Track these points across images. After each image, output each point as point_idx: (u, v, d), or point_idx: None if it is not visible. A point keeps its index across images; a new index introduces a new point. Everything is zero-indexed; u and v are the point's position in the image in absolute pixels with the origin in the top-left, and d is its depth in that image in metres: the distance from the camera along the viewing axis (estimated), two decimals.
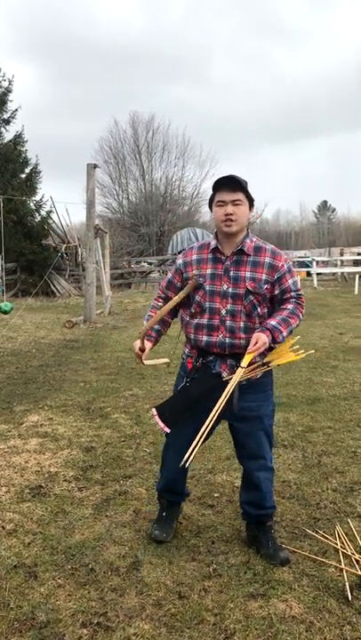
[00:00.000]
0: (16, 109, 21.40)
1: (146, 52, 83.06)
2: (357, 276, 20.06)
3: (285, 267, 2.62)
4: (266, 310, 2.63)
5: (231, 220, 2.55)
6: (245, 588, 2.43)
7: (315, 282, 22.77)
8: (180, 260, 2.74)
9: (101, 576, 2.54)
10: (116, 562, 2.65)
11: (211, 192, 2.65)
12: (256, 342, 2.47)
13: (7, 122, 21.31)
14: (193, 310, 2.66)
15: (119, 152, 35.20)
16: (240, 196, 2.56)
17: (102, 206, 33.36)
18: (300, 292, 2.66)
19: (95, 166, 13.24)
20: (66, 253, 21.20)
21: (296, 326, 2.59)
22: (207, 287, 2.61)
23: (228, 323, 2.58)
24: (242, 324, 2.58)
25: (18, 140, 21.41)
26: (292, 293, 2.63)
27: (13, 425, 4.77)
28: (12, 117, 21.39)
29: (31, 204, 21.08)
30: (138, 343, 2.67)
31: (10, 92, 21.34)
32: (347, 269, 25.06)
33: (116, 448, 4.18)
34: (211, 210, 2.67)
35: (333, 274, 26.65)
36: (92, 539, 2.86)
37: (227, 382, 2.56)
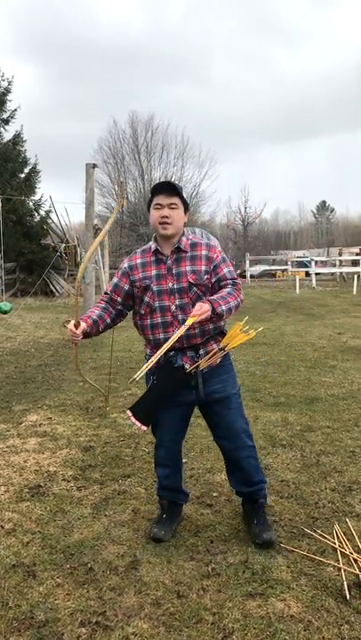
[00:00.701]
0: (15, 109, 21.43)
1: (146, 52, 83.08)
2: (356, 276, 20.10)
3: (220, 257, 2.80)
4: None
5: (167, 223, 2.72)
6: (244, 588, 2.43)
7: (313, 282, 22.80)
8: (125, 264, 2.86)
9: (100, 575, 2.54)
10: (115, 561, 2.65)
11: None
12: (199, 309, 2.58)
13: (6, 122, 21.33)
14: (142, 311, 2.80)
15: (118, 152, 35.21)
16: (176, 200, 2.73)
17: (101, 206, 33.35)
18: (236, 280, 2.81)
19: (94, 166, 13.24)
20: (65, 253, 21.21)
21: (235, 306, 2.69)
22: (154, 287, 2.75)
23: (180, 317, 2.72)
24: None
25: (17, 139, 21.43)
26: (229, 281, 2.78)
27: (12, 424, 4.77)
28: (12, 117, 21.41)
29: (30, 204, 21.09)
30: (72, 321, 2.73)
31: (9, 92, 21.37)
32: (345, 269, 25.11)
33: (115, 447, 4.19)
34: (148, 211, 2.81)
35: (332, 274, 26.70)
36: (91, 538, 2.86)
37: (190, 374, 2.74)
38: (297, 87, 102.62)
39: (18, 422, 4.84)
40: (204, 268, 2.74)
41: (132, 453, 4.06)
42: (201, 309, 2.58)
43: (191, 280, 2.72)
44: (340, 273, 25.64)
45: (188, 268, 2.73)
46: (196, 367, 2.75)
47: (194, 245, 2.78)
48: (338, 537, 2.81)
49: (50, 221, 21.63)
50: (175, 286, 2.73)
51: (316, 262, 25.92)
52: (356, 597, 2.37)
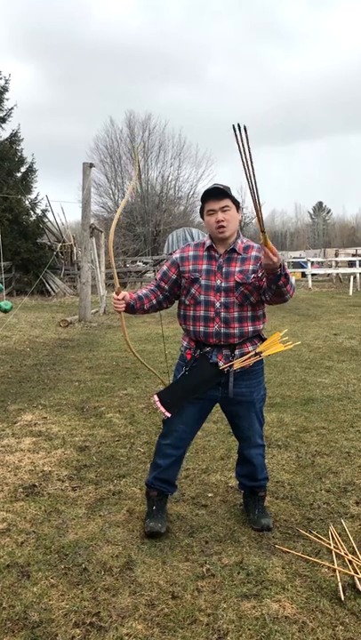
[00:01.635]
0: (12, 108, 21.41)
1: (144, 52, 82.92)
2: (352, 277, 20.14)
3: None
4: (258, 299, 2.81)
5: (223, 227, 2.77)
6: (239, 589, 2.43)
7: (309, 282, 22.82)
8: (177, 255, 2.93)
9: (94, 576, 2.53)
10: (110, 561, 2.64)
11: (204, 195, 2.86)
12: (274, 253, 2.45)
13: (3, 120, 21.30)
14: (187, 302, 2.88)
15: (115, 151, 35.25)
16: (227, 202, 2.77)
17: (98, 205, 33.41)
18: (288, 274, 2.72)
19: (91, 165, 13.23)
20: (61, 252, 21.19)
21: (292, 287, 2.63)
22: (203, 282, 2.82)
23: (222, 314, 2.79)
24: (235, 314, 2.79)
25: (14, 138, 21.39)
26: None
27: (7, 424, 4.76)
28: (8, 116, 21.38)
29: (26, 203, 21.06)
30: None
31: (6, 90, 21.32)
32: (341, 270, 25.12)
33: (110, 447, 4.18)
34: (203, 219, 2.89)
35: (328, 275, 26.72)
36: (86, 538, 2.85)
37: (222, 371, 2.81)
38: (294, 88, 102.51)
39: (13, 422, 4.82)
40: (251, 267, 2.78)
41: (127, 453, 4.05)
42: (274, 251, 2.42)
43: (238, 279, 2.77)
44: (337, 274, 25.66)
45: (237, 269, 2.79)
46: (230, 366, 2.82)
47: (247, 248, 2.84)
48: (333, 538, 2.81)
49: (46, 220, 21.61)
50: (223, 284, 2.79)
51: (312, 263, 25.94)
52: (350, 598, 2.37)
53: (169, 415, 2.90)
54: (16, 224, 19.85)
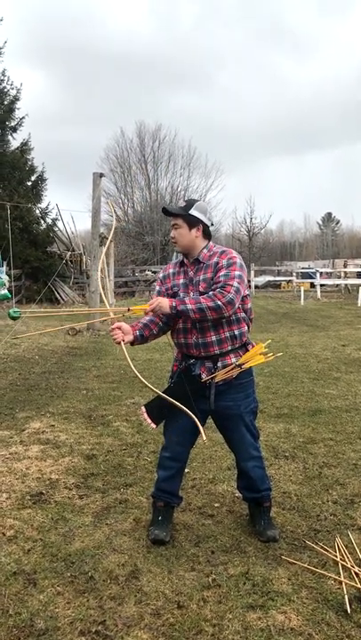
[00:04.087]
0: (23, 117, 21.62)
1: (154, 60, 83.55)
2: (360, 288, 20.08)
3: (224, 262, 2.85)
4: None
5: (174, 242, 2.99)
6: (244, 599, 2.42)
7: (318, 293, 22.79)
8: (161, 274, 3.14)
9: (100, 584, 2.54)
10: (116, 570, 2.65)
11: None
12: (152, 301, 2.81)
13: (14, 130, 21.52)
14: (174, 316, 2.94)
15: (125, 161, 35.53)
16: (177, 220, 2.93)
17: (108, 214, 33.52)
18: (227, 283, 2.76)
19: (101, 175, 13.34)
20: (70, 261, 21.32)
21: (209, 308, 2.72)
22: (181, 294, 2.95)
23: (198, 324, 2.85)
24: (209, 323, 2.83)
25: (24, 147, 21.62)
26: (219, 283, 2.78)
27: (15, 431, 4.78)
28: (19, 125, 21.60)
29: (37, 212, 21.23)
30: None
31: (18, 100, 21.56)
32: (350, 281, 25.07)
33: (118, 456, 4.19)
34: None
35: (337, 285, 26.66)
36: (92, 547, 2.86)
37: (205, 384, 2.88)
38: (304, 98, 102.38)
39: (21, 429, 4.84)
40: (211, 275, 2.87)
41: (134, 462, 4.06)
42: (153, 302, 2.78)
43: (202, 289, 2.86)
44: (345, 285, 25.61)
45: (201, 277, 2.90)
46: (212, 378, 2.86)
47: (211, 256, 2.93)
48: (339, 550, 2.80)
49: (56, 229, 21.77)
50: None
51: (321, 274, 25.91)
52: (356, 611, 2.35)
53: (154, 426, 2.97)
54: (26, 232, 20.02)
